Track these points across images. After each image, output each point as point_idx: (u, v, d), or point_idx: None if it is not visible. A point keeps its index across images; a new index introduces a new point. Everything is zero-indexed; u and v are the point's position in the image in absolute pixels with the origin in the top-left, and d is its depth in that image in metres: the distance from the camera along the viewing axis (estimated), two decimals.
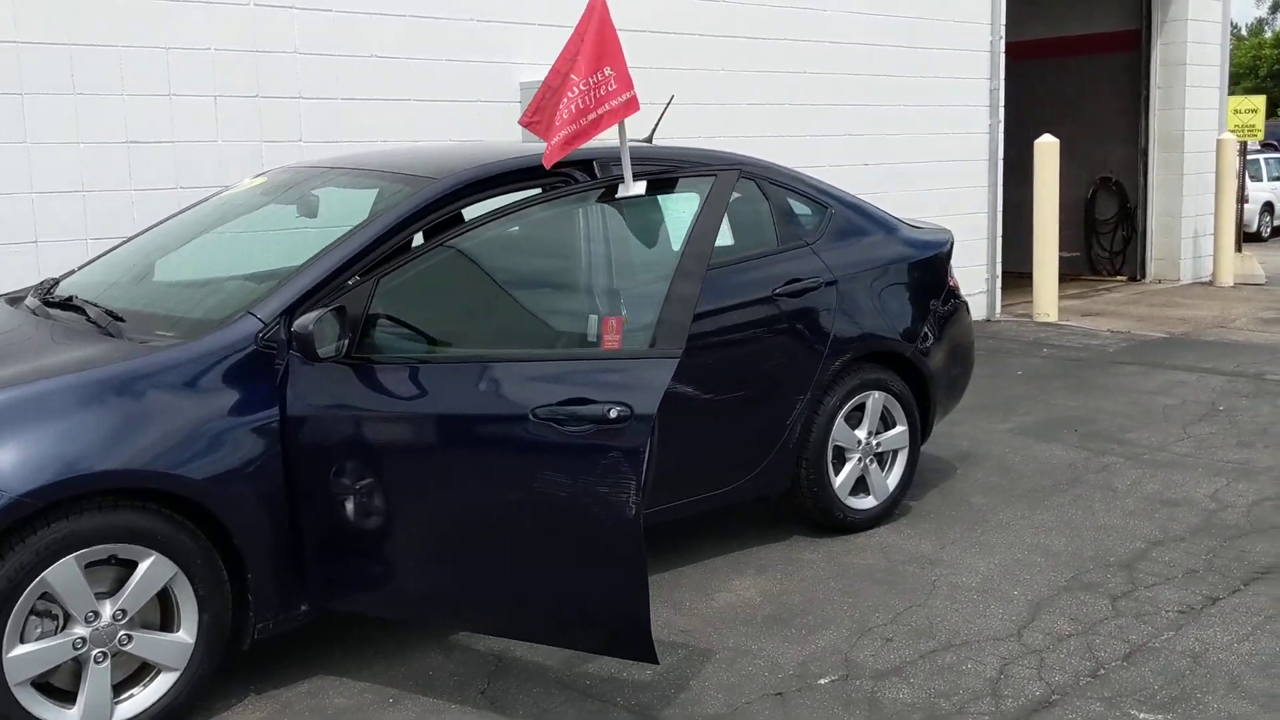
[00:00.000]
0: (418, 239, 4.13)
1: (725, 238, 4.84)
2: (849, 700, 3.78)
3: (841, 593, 4.60)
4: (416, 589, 3.59)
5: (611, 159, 4.61)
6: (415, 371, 3.53)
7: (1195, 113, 12.63)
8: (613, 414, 3.23)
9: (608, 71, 3.97)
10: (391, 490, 3.52)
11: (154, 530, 3.40)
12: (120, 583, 3.41)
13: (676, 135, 8.44)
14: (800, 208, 5.18)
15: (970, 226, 10.62)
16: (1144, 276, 13.17)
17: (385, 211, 4.01)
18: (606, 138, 4.24)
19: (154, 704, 3.49)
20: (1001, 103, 10.67)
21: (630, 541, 3.27)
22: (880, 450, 5.30)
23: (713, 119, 8.61)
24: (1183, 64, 12.49)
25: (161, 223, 4.89)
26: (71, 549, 3.28)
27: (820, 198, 5.24)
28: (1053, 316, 10.58)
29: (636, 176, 4.23)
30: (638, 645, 3.37)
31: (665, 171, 4.47)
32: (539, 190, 4.39)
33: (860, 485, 5.26)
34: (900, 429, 5.34)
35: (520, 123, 4.08)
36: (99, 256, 4.80)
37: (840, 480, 5.15)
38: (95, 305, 4.01)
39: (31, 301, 4.31)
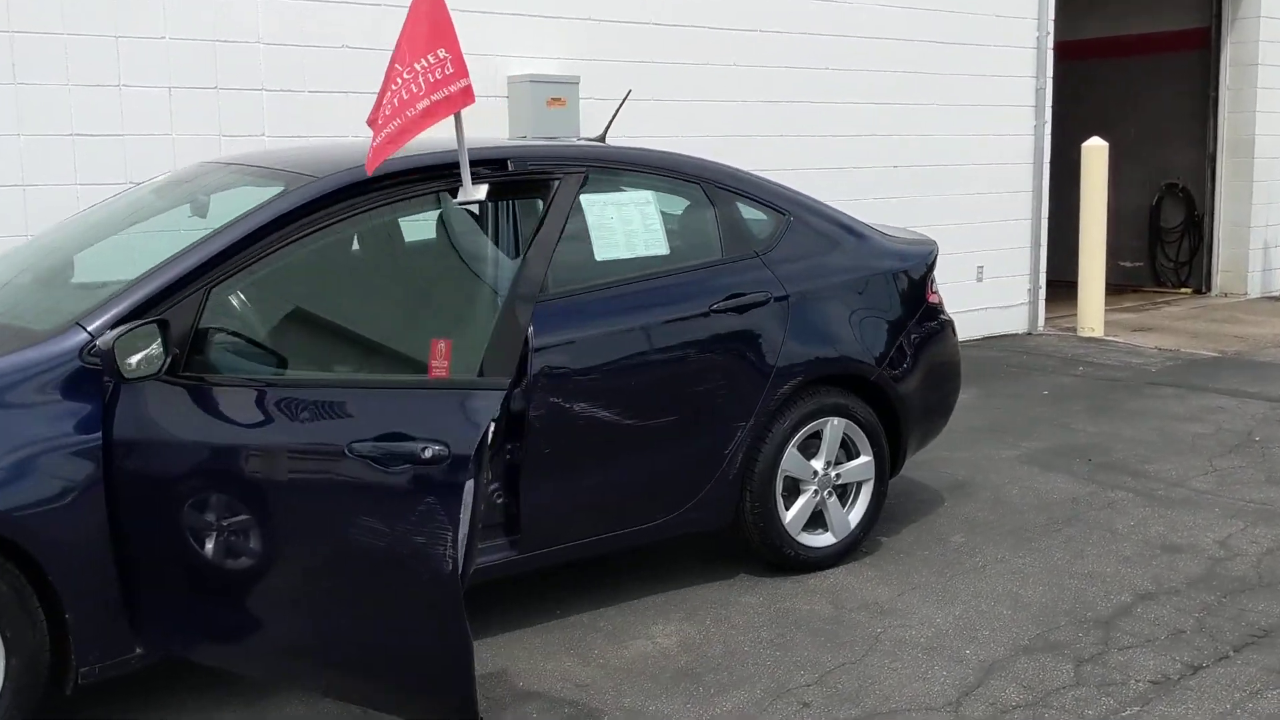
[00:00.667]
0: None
1: (659, 247, 4.42)
2: None
3: (770, 644, 4.13)
4: (240, 638, 3.21)
5: (532, 156, 4.20)
6: (239, 395, 3.17)
7: (1267, 116, 11.81)
8: (427, 453, 2.82)
9: (441, 54, 3.51)
10: (208, 528, 3.15)
11: None
12: None
13: (683, 135, 8.02)
14: (752, 215, 4.71)
15: (1012, 234, 10.01)
16: (1209, 289, 12.38)
17: (249, 215, 3.63)
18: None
19: None
20: (1048, 103, 10.02)
21: (448, 601, 2.86)
22: (841, 482, 4.81)
23: (723, 117, 8.14)
24: (1255, 64, 11.68)
25: (87, 217, 4.59)
26: None
27: (777, 203, 4.76)
28: (1098, 331, 9.92)
29: (478, 179, 3.77)
30: (460, 713, 2.95)
31: (512, 173, 4.01)
32: (441, 191, 3.99)
33: (817, 520, 4.78)
34: (864, 460, 4.84)
35: (366, 123, 3.56)
36: None
37: (791, 515, 4.68)
38: None
39: None
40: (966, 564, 4.86)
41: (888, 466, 4.92)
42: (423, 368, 3.34)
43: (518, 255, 3.94)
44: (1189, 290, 12.60)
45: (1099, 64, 12.64)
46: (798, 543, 4.70)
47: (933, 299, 5.13)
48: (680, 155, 4.67)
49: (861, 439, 4.82)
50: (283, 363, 3.40)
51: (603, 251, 4.26)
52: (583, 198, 4.28)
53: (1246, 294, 12.07)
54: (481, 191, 3.68)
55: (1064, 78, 11.28)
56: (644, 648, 4.11)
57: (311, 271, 3.56)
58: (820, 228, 4.84)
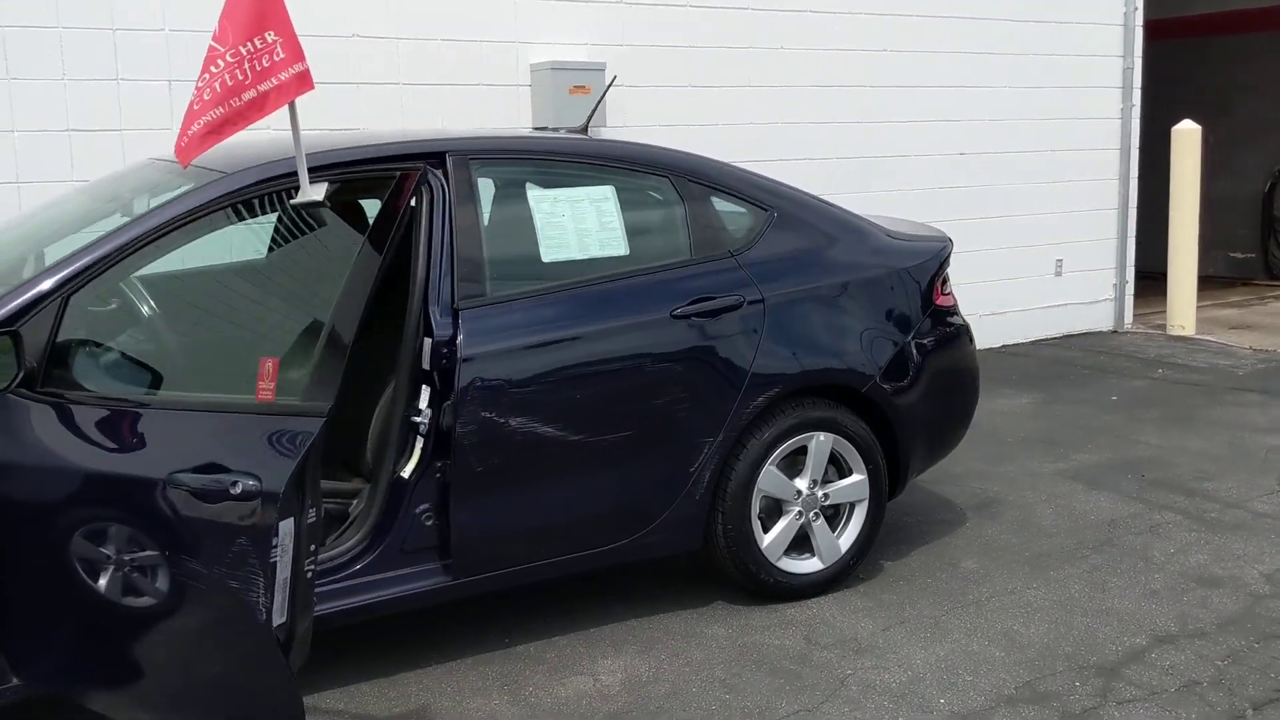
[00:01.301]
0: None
1: (617, 247, 4.06)
2: None
3: (722, 685, 3.76)
4: (89, 678, 2.98)
5: (473, 150, 3.90)
6: (85, 414, 2.92)
7: None
8: (237, 488, 2.53)
9: (270, 37, 3.18)
10: (54, 559, 2.91)
11: None
12: None
13: (724, 122, 7.61)
14: (730, 211, 4.32)
15: (1096, 225, 9.35)
16: None
17: (144, 216, 3.40)
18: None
19: None
20: (1137, 84, 9.32)
21: (267, 657, 2.56)
22: (831, 503, 4.40)
23: (768, 103, 7.71)
24: None
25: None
26: None
27: (760, 198, 4.36)
28: (1188, 329, 9.21)
29: (315, 178, 3.44)
30: None
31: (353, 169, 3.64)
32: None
33: (804, 544, 4.39)
34: (857, 479, 4.42)
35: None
36: None
37: (770, 538, 4.29)
38: None
39: None
40: (970, 595, 4.41)
41: (885, 486, 4.49)
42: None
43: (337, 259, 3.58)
44: None
45: (1204, 42, 11.79)
46: (777, 569, 4.31)
47: (943, 301, 4.67)
48: (647, 147, 4.31)
49: (854, 456, 4.40)
50: (155, 379, 3.15)
51: (551, 252, 3.93)
52: (530, 194, 3.97)
53: None
54: (320, 191, 3.37)
55: (1163, 57, 10.55)
56: (584, 685, 3.78)
57: (180, 280, 3.31)
58: (809, 225, 4.42)
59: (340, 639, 3.98)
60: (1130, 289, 9.60)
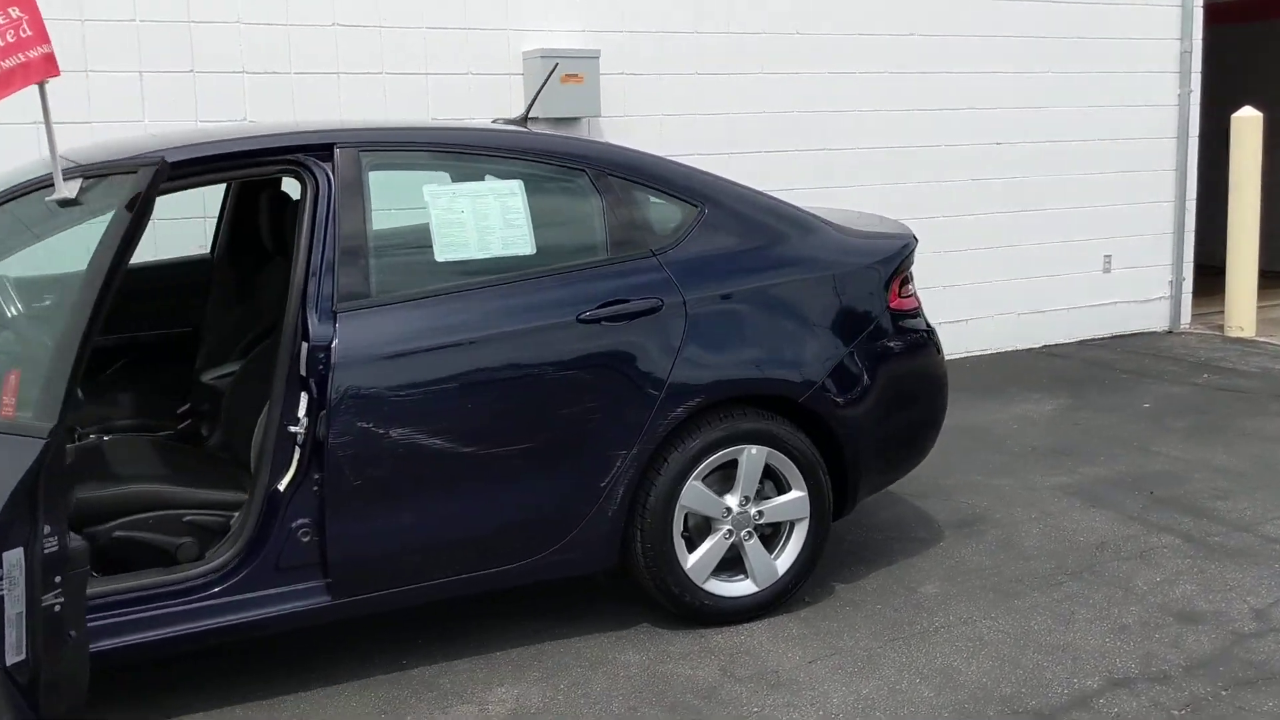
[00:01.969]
0: None
1: (523, 246, 3.79)
2: None
3: None
4: None
5: (364, 142, 3.67)
6: None
7: None
8: None
9: (14, 14, 2.94)
10: None
11: None
12: None
13: (735, 112, 7.27)
14: (655, 207, 4.03)
15: (1150, 219, 8.80)
16: None
17: None
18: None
19: None
20: (1196, 69, 8.73)
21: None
22: (767, 521, 4.09)
23: (784, 92, 7.35)
24: None
25: None
26: None
27: (689, 193, 4.05)
28: (1248, 331, 8.61)
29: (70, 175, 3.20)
30: None
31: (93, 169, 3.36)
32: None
33: (736, 565, 4.08)
34: (796, 495, 4.10)
35: None
36: None
37: (695, 558, 3.99)
38: None
39: None
40: (919, 624, 4.06)
41: (829, 504, 4.15)
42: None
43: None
44: None
45: (1268, 26, 11.05)
46: (703, 591, 4.01)
47: (901, 304, 4.31)
48: (563, 138, 4.03)
49: (793, 471, 4.08)
50: None
51: (446, 251, 3.68)
52: (426, 189, 3.72)
53: None
54: (73, 188, 3.14)
55: (1224, 41, 9.92)
56: (467, 715, 3.53)
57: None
58: (745, 221, 4.10)
59: (232, 654, 3.80)
60: (1188, 286, 9.01)
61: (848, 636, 3.98)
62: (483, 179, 3.81)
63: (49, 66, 3.00)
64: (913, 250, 4.43)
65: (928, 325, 4.45)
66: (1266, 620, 4.04)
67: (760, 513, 4.06)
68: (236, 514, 3.64)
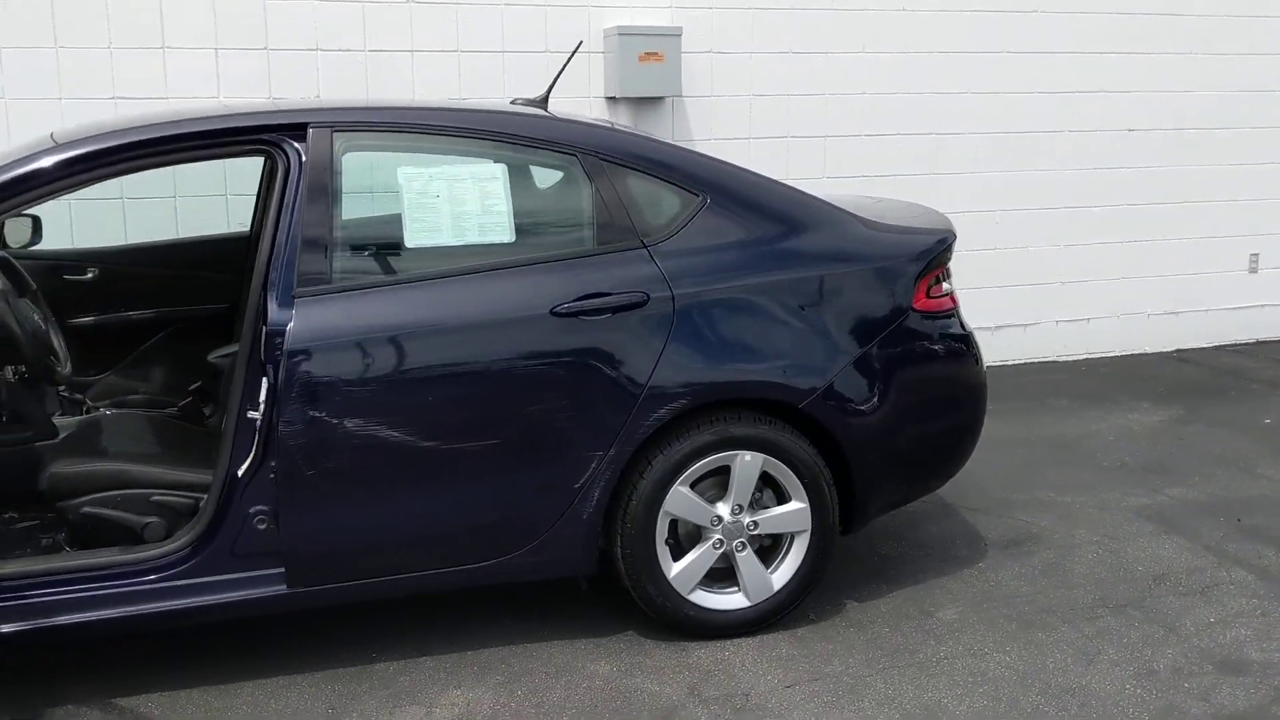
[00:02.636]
0: None
1: (501, 233, 3.64)
2: None
3: None
4: None
5: (340, 121, 3.58)
6: None
7: None
8: None
9: None
10: None
11: None
12: None
13: (832, 92, 6.91)
14: (652, 195, 3.80)
15: None
16: None
17: None
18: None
19: None
20: None
21: None
22: (763, 532, 3.84)
23: (884, 72, 6.96)
24: None
25: None
26: None
27: (691, 181, 3.81)
28: None
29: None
30: None
31: None
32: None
33: (729, 576, 3.85)
34: (796, 506, 3.84)
35: None
36: None
37: (680, 567, 3.78)
38: None
39: None
40: (921, 653, 3.75)
41: (833, 517, 3.87)
42: None
43: None
44: None
45: None
46: (688, 601, 3.79)
47: (929, 304, 3.98)
48: (554, 120, 3.82)
49: (792, 481, 3.82)
50: None
51: (418, 236, 3.56)
52: (401, 171, 3.60)
53: None
54: None
55: None
56: (412, 717, 3.41)
57: None
58: (752, 212, 3.84)
59: (201, 637, 3.79)
60: None
61: (838, 661, 3.70)
62: (464, 162, 3.66)
63: None
64: (948, 246, 4.09)
65: (963, 329, 4.10)
66: None
67: (755, 523, 3.81)
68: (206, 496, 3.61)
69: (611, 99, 6.48)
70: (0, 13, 5.58)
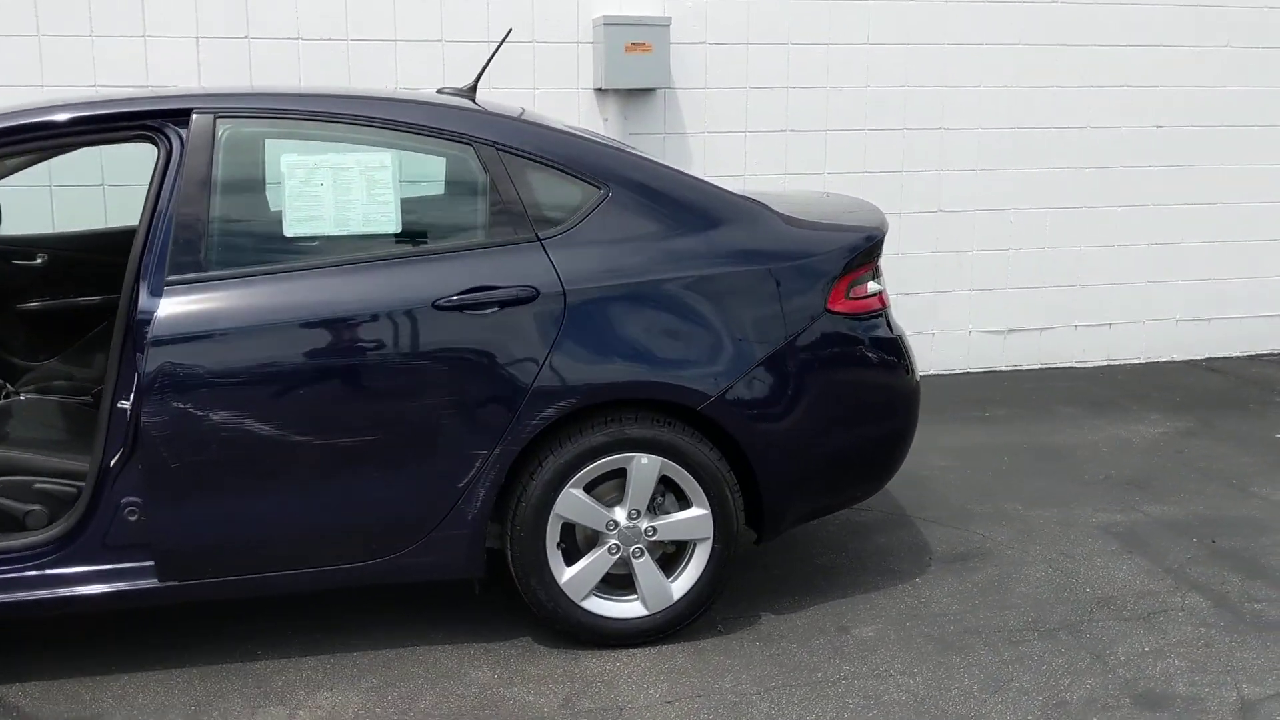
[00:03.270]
0: None
1: (387, 224, 3.53)
2: None
3: None
4: None
5: (225, 108, 3.51)
6: None
7: None
8: None
9: None
10: None
11: None
12: None
13: (845, 85, 6.69)
14: (550, 186, 3.65)
15: None
16: None
17: None
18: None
19: None
20: None
21: None
22: (660, 539, 3.69)
23: (897, 63, 6.72)
24: None
25: None
26: None
27: (593, 172, 3.66)
28: None
29: None
30: None
31: None
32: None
33: (629, 584, 3.71)
34: (697, 513, 3.67)
35: None
36: None
37: (572, 573, 3.64)
38: None
39: None
40: (822, 672, 3.55)
41: (737, 525, 3.70)
42: None
43: None
44: None
45: None
46: (580, 608, 3.65)
47: (849, 306, 3.78)
48: (450, 108, 3.68)
49: (693, 486, 3.65)
50: None
51: (297, 226, 3.47)
52: (285, 159, 3.51)
53: None
54: None
55: None
56: (272, 718, 3.33)
57: None
58: (657, 206, 3.67)
59: (106, 625, 3.77)
60: None
61: (731, 677, 3.53)
62: (352, 150, 3.56)
63: None
64: (874, 244, 3.88)
65: (891, 332, 3.89)
66: (1251, 714, 3.31)
67: (654, 528, 3.66)
68: None
69: (600, 90, 6.35)
70: None
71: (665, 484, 3.68)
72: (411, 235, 3.56)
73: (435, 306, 3.44)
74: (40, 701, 3.41)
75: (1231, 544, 4.51)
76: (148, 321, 3.31)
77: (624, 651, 3.68)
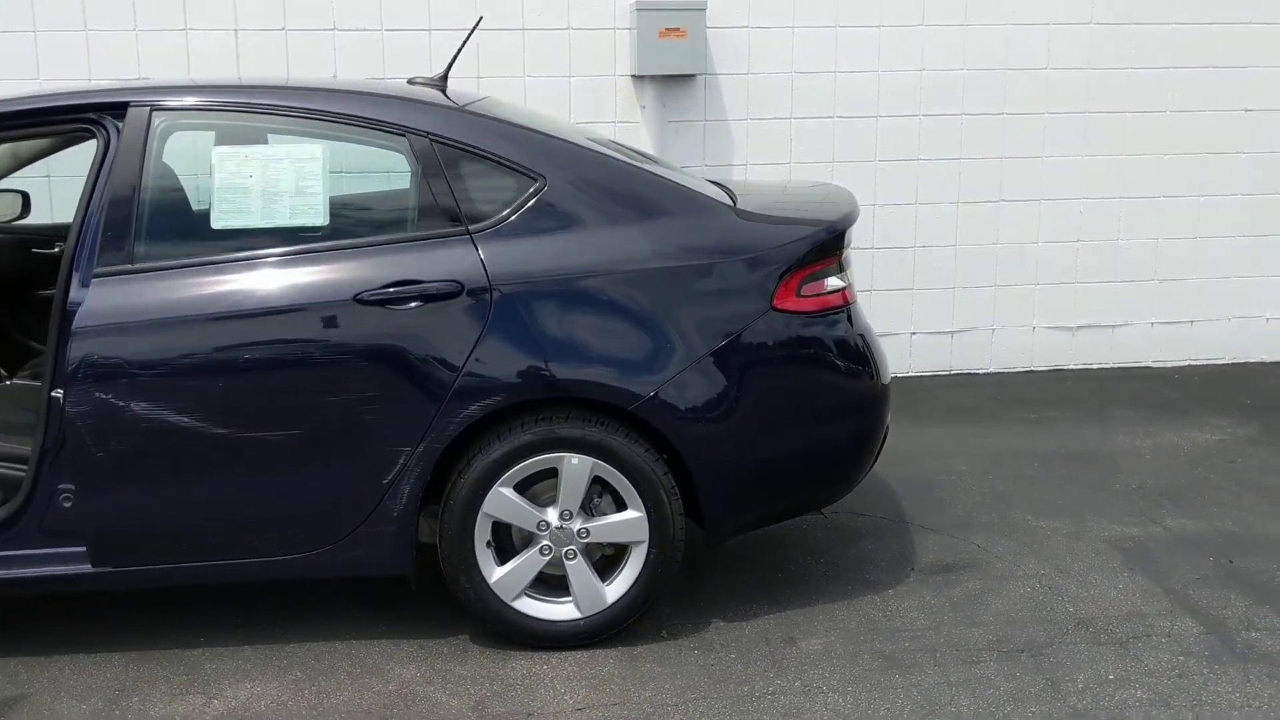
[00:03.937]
0: None
1: (314, 216, 3.52)
2: None
3: None
4: None
5: (161, 101, 3.54)
6: None
7: None
8: None
9: None
10: None
11: None
12: None
13: (886, 69, 6.40)
14: (484, 178, 3.57)
15: None
16: None
17: None
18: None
19: None
20: None
21: None
22: (595, 541, 3.59)
23: (954, 47, 6.42)
24: None
25: None
26: None
27: (531, 164, 3.57)
28: None
29: None
30: None
31: None
32: None
33: (562, 585, 3.62)
34: (631, 515, 3.56)
35: None
36: None
37: (502, 573, 3.57)
38: None
39: None
40: (749, 686, 3.41)
41: (675, 529, 3.57)
42: None
43: None
44: None
45: None
46: (511, 609, 3.58)
47: (799, 304, 3.59)
48: (385, 98, 3.61)
49: (627, 488, 3.55)
50: None
51: (225, 218, 3.48)
52: (216, 151, 3.53)
53: None
54: None
55: None
56: (187, 709, 3.35)
57: None
58: (595, 198, 3.56)
59: (63, 606, 3.87)
60: None
61: (654, 686, 3.41)
62: (284, 142, 3.56)
63: None
64: (832, 239, 3.68)
65: (851, 332, 3.70)
66: None
67: (587, 530, 3.57)
68: None
69: (638, 78, 6.24)
70: None
71: (603, 485, 3.58)
72: (340, 227, 3.54)
73: (357, 300, 3.41)
74: None
75: (1250, 565, 4.16)
76: (75, 312, 3.37)
77: (554, 655, 3.60)
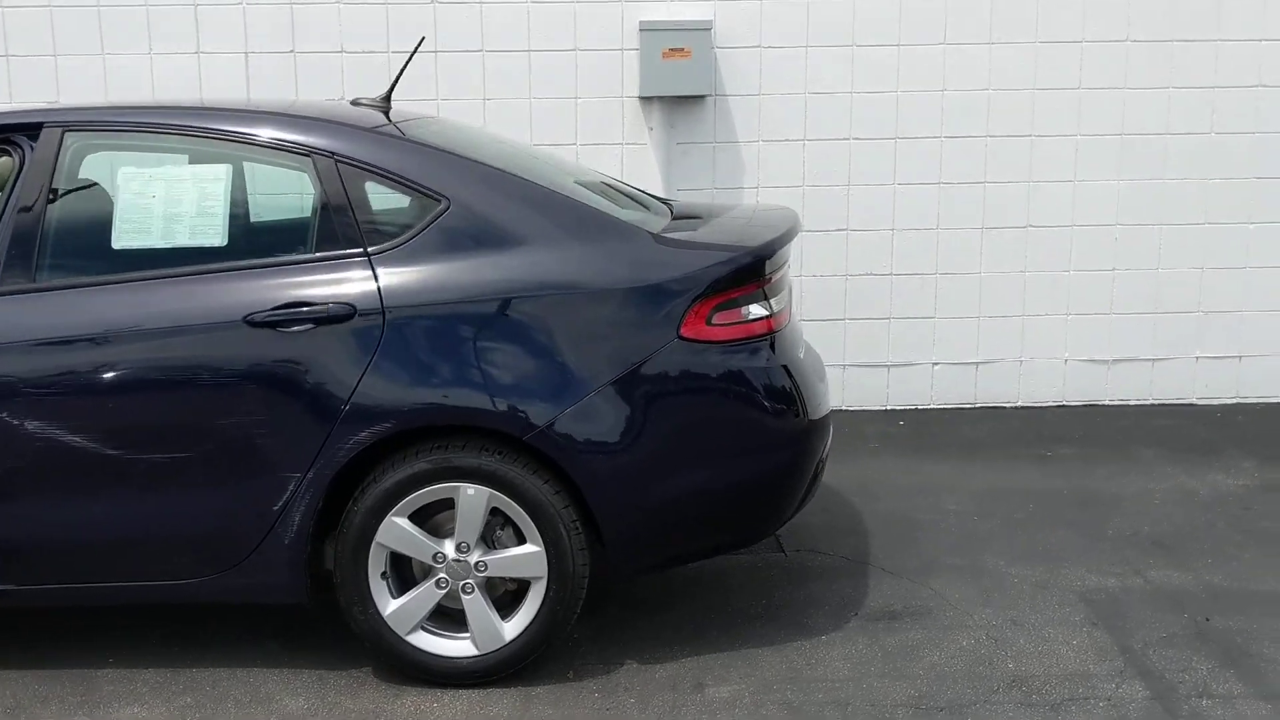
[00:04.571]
0: None
1: (213, 236, 3.49)
2: None
3: None
4: None
5: (73, 122, 3.56)
6: None
7: None
8: None
9: None
10: None
11: None
12: None
13: (905, 89, 6.15)
14: (388, 200, 3.51)
15: None
16: None
17: None
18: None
19: None
20: None
21: None
22: (494, 575, 3.47)
23: (980, 66, 6.15)
24: None
25: None
26: None
27: (435, 185, 3.47)
28: None
29: None
30: None
31: None
32: None
33: (459, 620, 3.51)
34: (530, 550, 3.43)
35: None
36: None
37: (397, 605, 3.48)
38: None
39: None
40: None
41: (574, 565, 3.43)
42: None
43: None
44: None
45: None
46: (405, 643, 3.48)
47: (707, 333, 3.42)
48: (293, 118, 3.55)
49: (525, 521, 3.42)
50: None
51: (125, 239, 3.46)
52: (122, 172, 3.53)
53: None
54: None
55: None
56: None
57: None
58: (499, 221, 3.45)
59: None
60: None
61: None
62: (190, 163, 3.54)
63: None
64: (749, 265, 3.49)
65: (772, 362, 3.51)
66: None
67: (484, 564, 3.45)
68: None
69: (645, 99, 6.12)
70: None
71: (506, 518, 3.46)
72: (240, 248, 3.50)
73: (248, 321, 3.36)
74: None
75: (1228, 624, 3.83)
76: None
77: (449, 692, 3.48)
